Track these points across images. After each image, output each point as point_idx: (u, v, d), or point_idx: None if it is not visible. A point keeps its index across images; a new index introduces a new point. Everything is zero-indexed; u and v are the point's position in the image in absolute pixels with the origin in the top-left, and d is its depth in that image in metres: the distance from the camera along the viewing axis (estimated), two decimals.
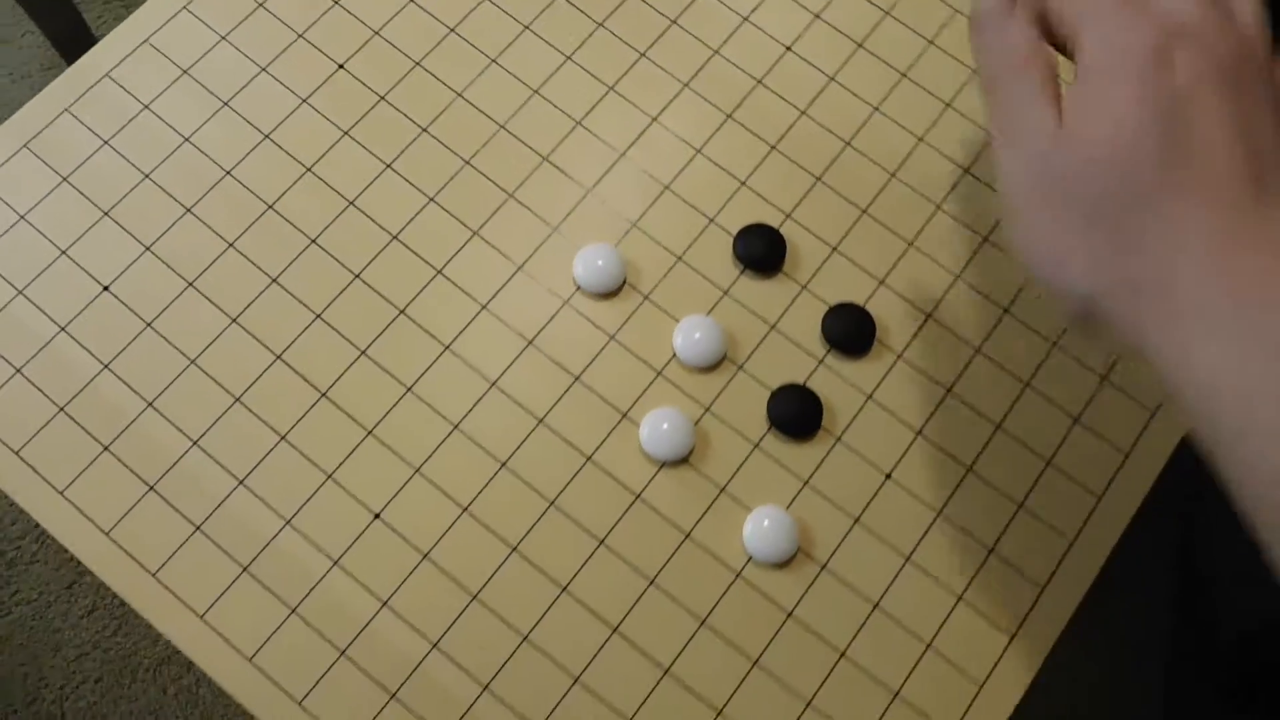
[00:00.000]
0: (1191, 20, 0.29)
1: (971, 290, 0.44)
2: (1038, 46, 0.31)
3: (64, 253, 0.42)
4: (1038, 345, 0.43)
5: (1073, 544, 0.41)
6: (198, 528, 0.39)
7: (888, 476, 0.41)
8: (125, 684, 1.08)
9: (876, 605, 0.40)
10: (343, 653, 0.38)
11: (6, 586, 1.11)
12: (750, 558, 0.40)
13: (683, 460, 0.41)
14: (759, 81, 0.47)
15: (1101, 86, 0.29)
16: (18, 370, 0.41)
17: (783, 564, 0.40)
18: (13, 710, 1.07)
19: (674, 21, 0.47)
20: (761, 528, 0.40)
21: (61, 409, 0.40)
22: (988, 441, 0.42)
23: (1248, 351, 0.26)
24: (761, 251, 0.43)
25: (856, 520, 0.41)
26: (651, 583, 0.40)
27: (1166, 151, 0.28)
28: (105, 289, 0.42)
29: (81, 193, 0.43)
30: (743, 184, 0.45)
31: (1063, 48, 0.32)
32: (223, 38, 0.46)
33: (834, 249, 0.44)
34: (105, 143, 0.44)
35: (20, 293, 0.42)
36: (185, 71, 0.45)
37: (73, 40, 1.09)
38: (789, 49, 0.47)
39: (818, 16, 0.48)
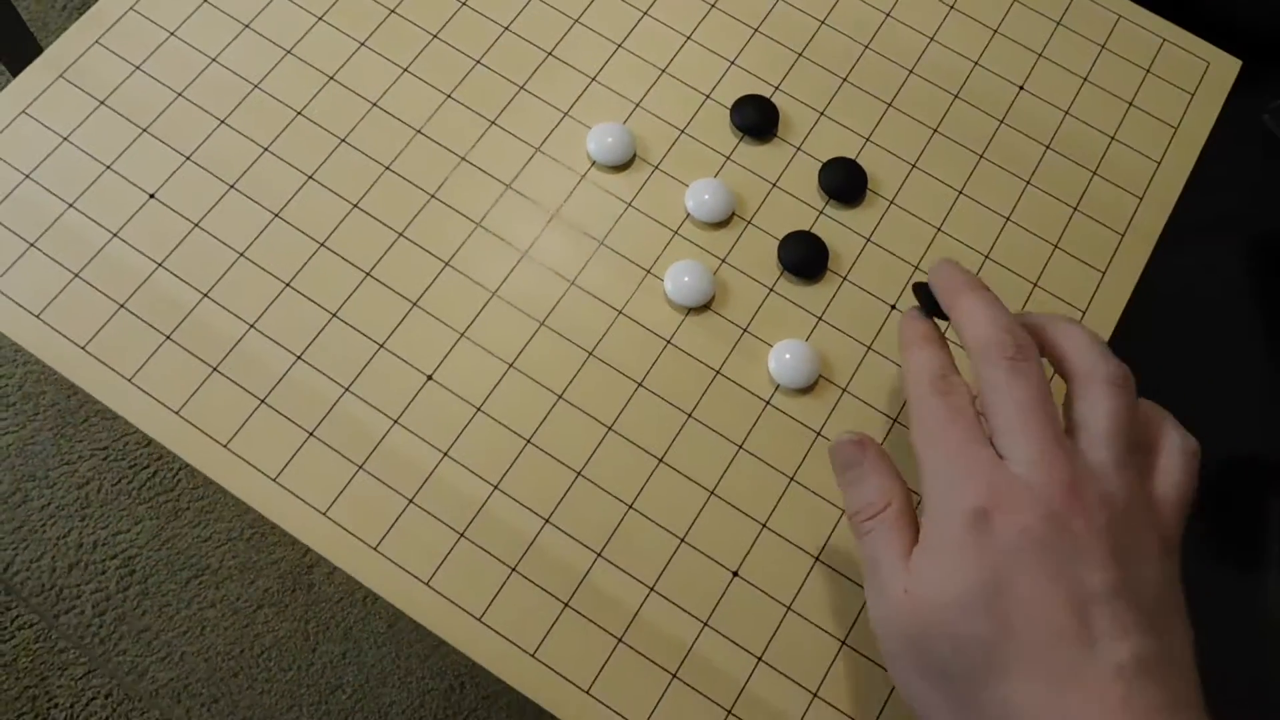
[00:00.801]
0: (1022, 469, 0.31)
1: (949, 141, 0.48)
2: (888, 491, 0.34)
3: (109, 167, 0.45)
4: (1014, 184, 0.48)
5: None
6: (262, 400, 0.42)
7: (893, 307, 0.45)
8: (135, 698, 1.09)
9: (895, 420, 0.44)
10: (411, 500, 0.41)
11: (7, 612, 1.10)
12: (777, 386, 0.44)
13: (705, 307, 0.45)
14: None
15: (934, 551, 0.31)
16: (76, 274, 0.43)
17: (807, 389, 0.44)
18: None
19: None
20: (784, 359, 0.44)
21: (122, 305, 0.43)
22: (979, 269, 0.46)
23: None
24: (756, 118, 0.47)
25: (869, 348, 0.45)
26: (690, 416, 0.43)
27: (989, 622, 0.30)
28: (151, 196, 0.44)
29: (119, 113, 0.46)
30: (732, 63, 0.49)
31: None
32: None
33: (821, 113, 0.48)
34: (137, 68, 0.47)
35: (71, 205, 0.44)
36: (206, 0, 0.48)
37: (15, 44, 1.10)
38: None
39: None
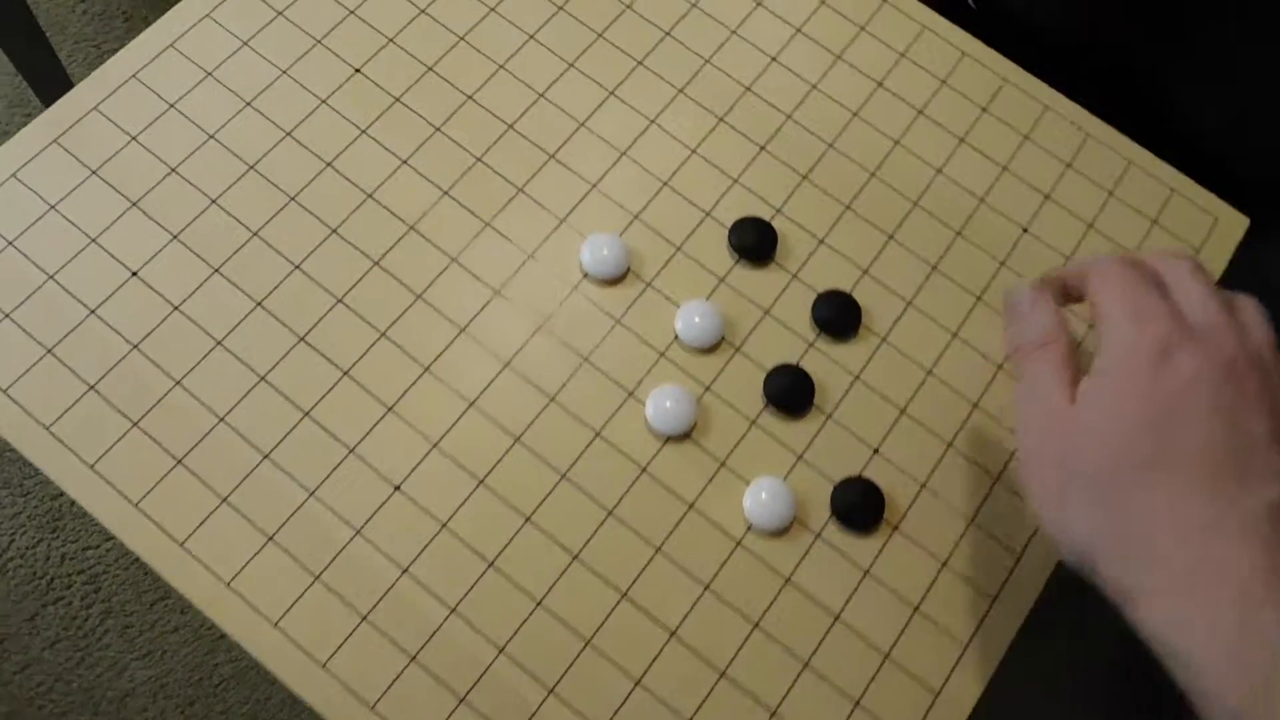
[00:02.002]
0: (1199, 322, 0.34)
1: (946, 279, 0.48)
2: (1059, 329, 0.36)
3: (94, 240, 0.44)
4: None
5: None
6: (224, 499, 0.41)
7: (875, 451, 0.44)
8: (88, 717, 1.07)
9: (867, 572, 0.43)
10: (364, 617, 0.40)
11: None
12: (750, 526, 0.43)
13: (685, 435, 0.44)
14: (747, 88, 0.50)
15: (1108, 380, 0.34)
16: (48, 350, 0.42)
17: (780, 532, 0.43)
18: None
19: (667, 33, 0.51)
20: (760, 498, 0.43)
21: (92, 387, 0.42)
22: (966, 418, 0.45)
23: (1209, 628, 0.30)
24: (754, 241, 0.47)
25: None
26: (658, 550, 0.42)
27: (1155, 448, 0.32)
28: (134, 274, 0.44)
29: (110, 184, 0.45)
30: (735, 181, 0.48)
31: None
32: (244, 43, 0.48)
33: (821, 241, 0.48)
34: (133, 139, 0.46)
35: (51, 278, 0.43)
36: (209, 74, 0.47)
37: (48, 79, 1.10)
38: (774, 59, 0.51)
39: (799, 30, 0.52)
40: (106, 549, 1.07)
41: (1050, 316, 0.37)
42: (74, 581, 1.06)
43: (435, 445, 0.42)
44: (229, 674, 1.04)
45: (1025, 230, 0.49)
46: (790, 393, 0.44)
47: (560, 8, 0.51)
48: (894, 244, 0.48)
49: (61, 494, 1.09)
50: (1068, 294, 0.38)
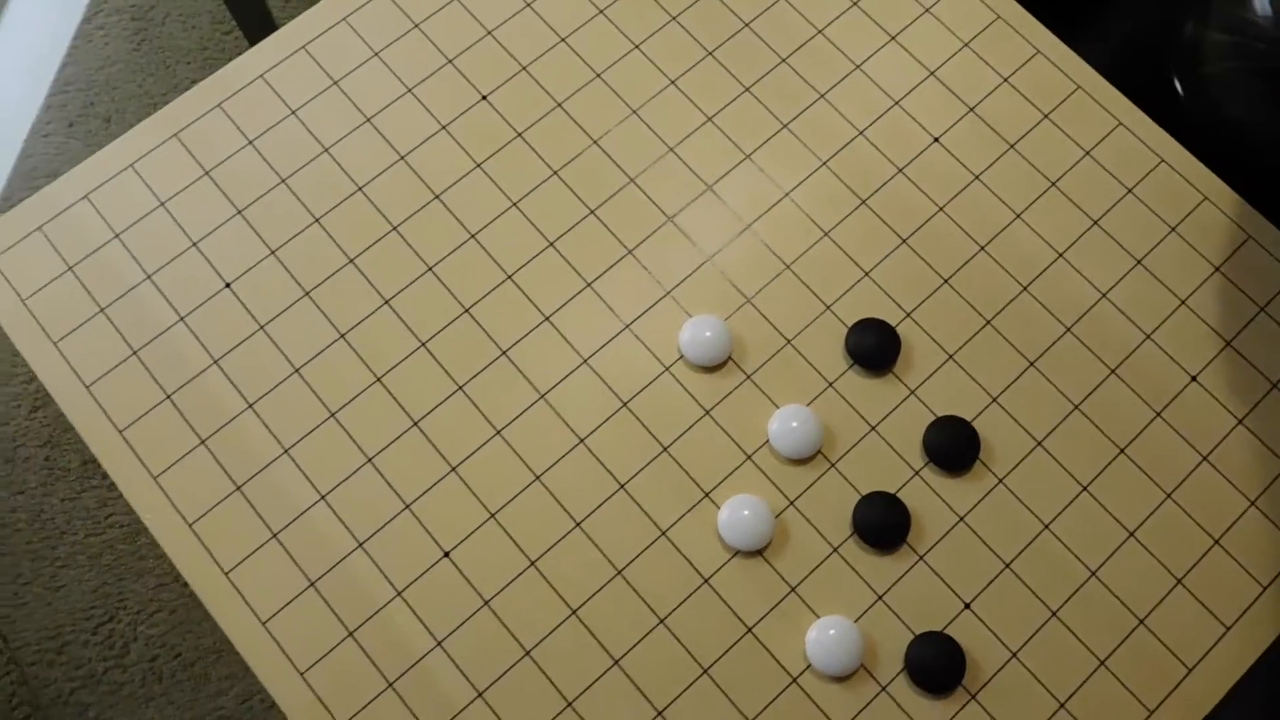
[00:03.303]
0: None
1: (1088, 422, 0.42)
2: None
3: (195, 245, 0.44)
4: (1152, 493, 0.41)
5: (1151, 716, 0.39)
6: (274, 535, 0.40)
7: (967, 606, 0.40)
8: (196, 620, 1.13)
9: None
10: (391, 684, 0.38)
11: (104, 507, 1.16)
12: (809, 665, 0.39)
13: (758, 552, 0.40)
14: (900, 170, 0.45)
15: None
16: (134, 352, 0.42)
17: (842, 678, 0.39)
18: (90, 623, 1.13)
19: (822, 95, 0.46)
20: (827, 636, 0.39)
21: (168, 396, 0.42)
22: (1079, 588, 0.40)
23: None
24: (874, 348, 0.42)
25: None
26: (705, 672, 0.39)
27: None
28: (227, 286, 0.43)
29: (220, 188, 0.44)
30: (866, 274, 0.44)
31: None
32: (375, 54, 0.46)
33: (950, 356, 0.43)
34: (250, 142, 0.45)
35: (149, 278, 0.43)
36: (335, 83, 0.46)
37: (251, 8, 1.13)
38: (936, 140, 0.46)
39: (972, 109, 0.46)
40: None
41: None
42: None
43: (493, 516, 0.40)
44: None
45: (1194, 379, 0.43)
46: (882, 524, 0.40)
47: (709, 53, 0.47)
48: (1034, 372, 0.43)
49: None
50: None
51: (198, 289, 0.43)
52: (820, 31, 0.47)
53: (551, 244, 0.44)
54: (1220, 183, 0.45)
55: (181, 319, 0.43)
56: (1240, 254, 0.44)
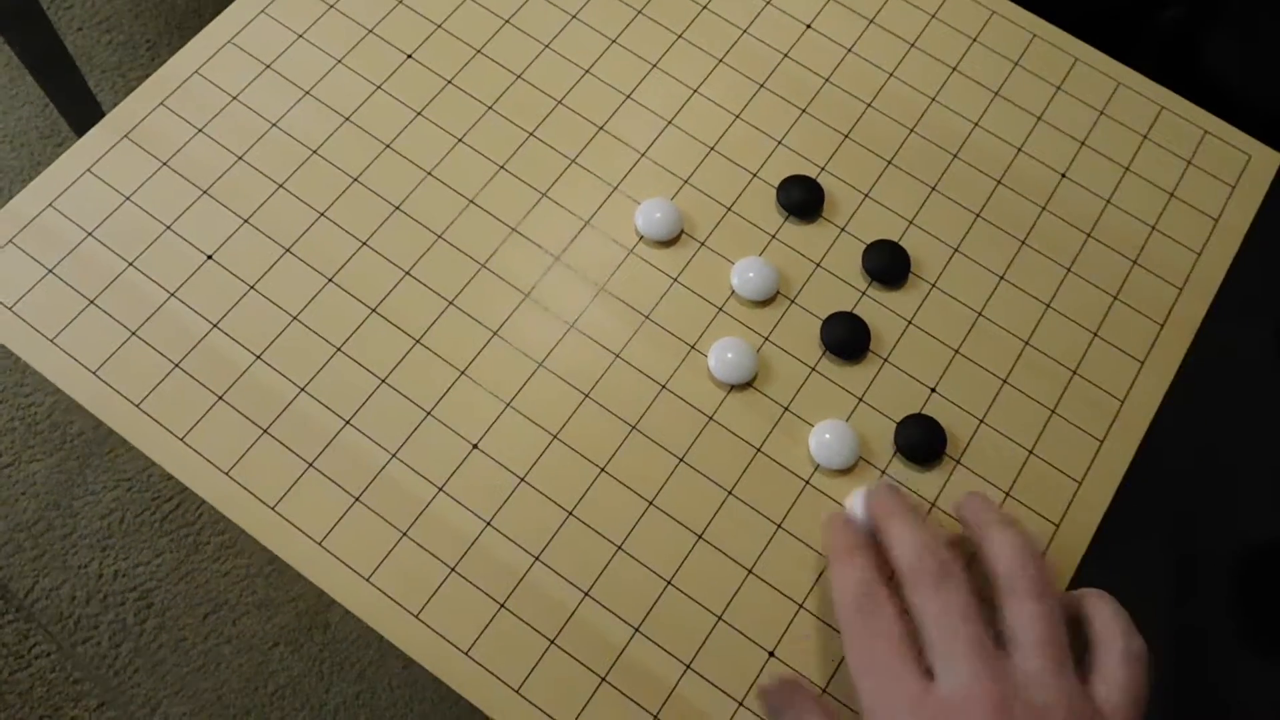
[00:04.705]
0: (1035, 680, 0.33)
1: (991, 226, 0.49)
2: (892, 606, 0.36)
3: (169, 228, 0.46)
4: (1055, 271, 0.48)
5: (1101, 444, 0.45)
6: (310, 464, 0.42)
7: (933, 390, 0.46)
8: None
9: (933, 504, 0.44)
10: (453, 569, 0.41)
11: (26, 640, 1.11)
12: (817, 466, 0.44)
13: (748, 384, 0.45)
14: (785, 55, 0.52)
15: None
16: (133, 333, 0.44)
17: (847, 470, 0.44)
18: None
19: (705, 7, 0.53)
20: (824, 439, 0.44)
21: (177, 364, 0.44)
22: (1018, 356, 0.47)
23: None
24: (802, 198, 0.48)
25: None
26: (729, 493, 0.43)
27: None
28: (209, 257, 0.45)
29: (180, 175, 0.47)
30: (779, 143, 0.50)
31: None
32: (300, 35, 0.50)
33: (866, 195, 0.49)
34: (199, 130, 0.48)
35: (131, 264, 0.45)
36: (268, 66, 0.49)
37: (80, 108, 1.13)
38: (809, 26, 0.53)
39: None
40: (157, 564, 1.09)
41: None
42: (126, 598, 1.08)
43: (509, 405, 0.44)
44: (283, 682, 1.05)
45: (1063, 176, 0.50)
46: (847, 338, 0.46)
47: None
48: (937, 195, 0.50)
49: (111, 511, 1.11)
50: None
51: (182, 266, 0.45)
52: None
53: (502, 167, 0.48)
54: (1044, 21, 0.54)
55: (172, 294, 0.45)
56: (1074, 74, 0.53)
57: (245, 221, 0.46)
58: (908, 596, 0.36)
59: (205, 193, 0.47)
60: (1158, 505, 0.49)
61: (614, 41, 0.51)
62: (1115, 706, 0.33)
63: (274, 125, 0.48)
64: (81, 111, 1.12)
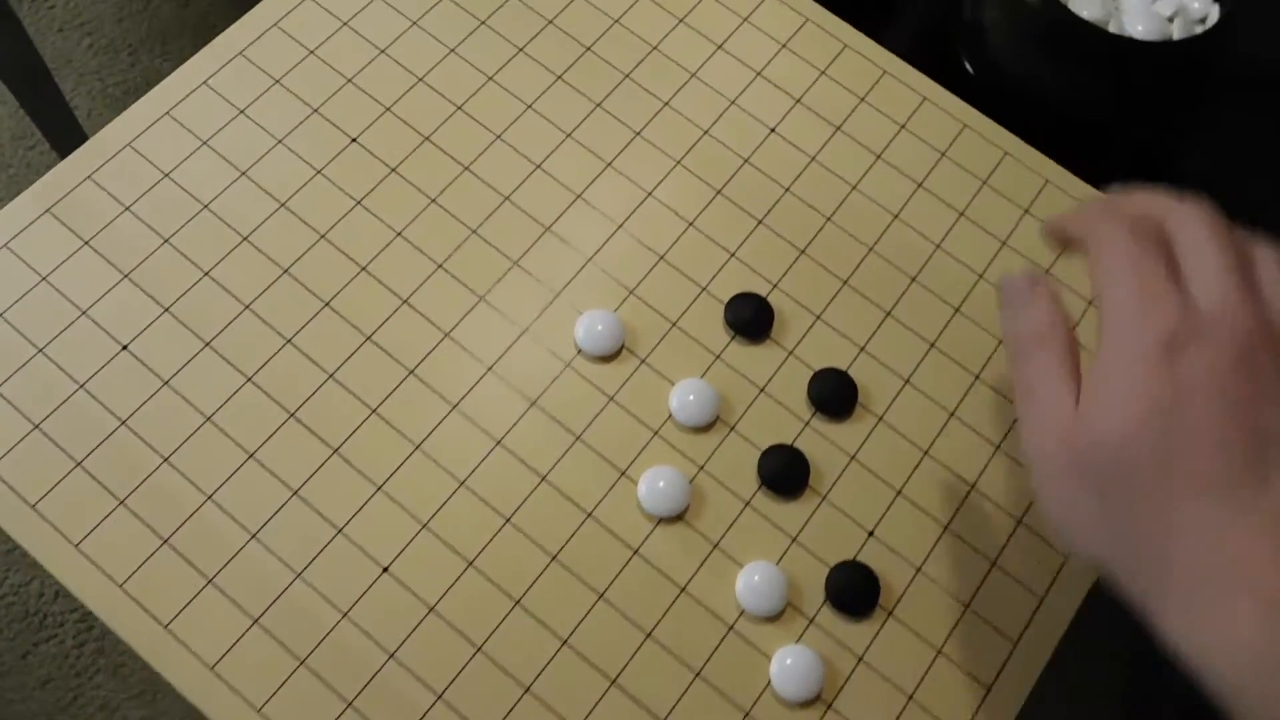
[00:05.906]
0: (1212, 304, 0.31)
1: (945, 357, 0.47)
2: (1057, 323, 0.34)
3: (84, 313, 0.44)
4: (1007, 410, 0.46)
5: (1043, 600, 0.44)
6: (210, 580, 0.40)
7: (870, 534, 0.44)
8: None
9: (860, 659, 0.42)
10: (349, 704, 0.39)
11: None
12: (742, 611, 0.42)
13: (678, 517, 0.43)
14: (746, 160, 0.50)
15: (1112, 377, 0.31)
16: (35, 426, 0.42)
17: (773, 617, 0.42)
18: None
19: (666, 103, 0.51)
20: (752, 581, 0.42)
21: (79, 464, 0.41)
22: (963, 500, 0.45)
23: (1231, 643, 0.28)
24: (750, 318, 0.46)
25: None
26: (648, 635, 0.41)
27: (1164, 447, 0.30)
28: (124, 348, 0.43)
29: (102, 255, 0.45)
30: (732, 255, 0.48)
31: None
32: (241, 111, 0.48)
33: (818, 317, 0.47)
34: (126, 208, 0.46)
35: (40, 351, 0.43)
36: (204, 142, 0.47)
37: (53, 115, 1.10)
38: (773, 130, 0.51)
39: (798, 101, 0.52)
40: None
41: (1047, 309, 0.34)
42: (67, 619, 1.06)
43: (425, 526, 0.42)
44: None
45: None
46: (784, 474, 0.44)
47: (559, 77, 0.51)
48: (892, 320, 0.48)
49: None
50: (1069, 243, 0.36)
51: (94, 355, 0.43)
52: (655, 48, 0.52)
53: (440, 265, 0.46)
54: (1015, 139, 0.52)
55: (81, 386, 0.43)
56: (1042, 196, 0.51)
57: (165, 310, 0.44)
58: (1167, 226, 0.33)
59: (126, 276, 0.45)
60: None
61: (569, 136, 0.49)
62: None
63: (205, 207, 0.46)
64: (56, 119, 1.10)
